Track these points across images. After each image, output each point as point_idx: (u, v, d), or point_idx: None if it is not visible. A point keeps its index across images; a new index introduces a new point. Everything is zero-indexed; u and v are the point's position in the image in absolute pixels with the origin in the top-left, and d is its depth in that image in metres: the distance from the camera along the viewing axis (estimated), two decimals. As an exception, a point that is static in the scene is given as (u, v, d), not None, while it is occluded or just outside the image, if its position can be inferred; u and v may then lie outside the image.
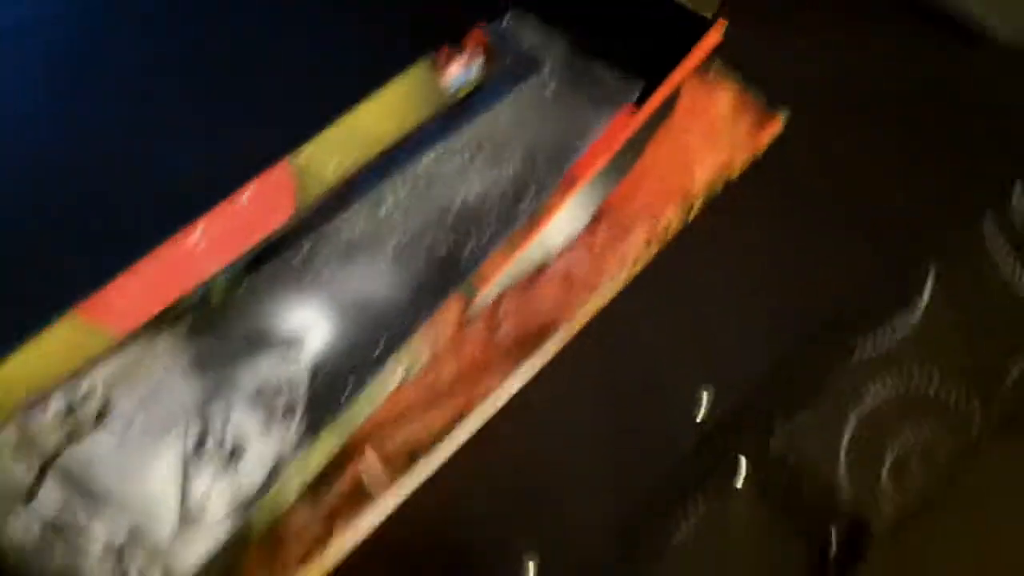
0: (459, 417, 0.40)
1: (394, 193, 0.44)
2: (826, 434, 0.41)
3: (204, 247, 0.43)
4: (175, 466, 0.39)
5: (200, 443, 0.39)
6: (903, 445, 0.42)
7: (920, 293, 0.43)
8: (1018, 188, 0.45)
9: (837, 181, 0.44)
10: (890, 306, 0.42)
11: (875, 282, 0.42)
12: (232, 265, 0.43)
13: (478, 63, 0.45)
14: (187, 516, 0.38)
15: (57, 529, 0.37)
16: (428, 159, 0.44)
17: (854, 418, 0.41)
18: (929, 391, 0.43)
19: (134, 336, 0.41)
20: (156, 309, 0.41)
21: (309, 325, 0.42)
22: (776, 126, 0.45)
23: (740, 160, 0.44)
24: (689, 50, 0.44)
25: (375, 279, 0.43)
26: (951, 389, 0.43)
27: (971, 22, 0.47)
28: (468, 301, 0.42)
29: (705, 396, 0.40)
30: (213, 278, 0.42)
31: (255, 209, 0.43)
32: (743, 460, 0.40)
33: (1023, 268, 0.44)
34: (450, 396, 0.40)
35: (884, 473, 0.42)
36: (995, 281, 0.44)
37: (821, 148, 0.44)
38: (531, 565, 0.37)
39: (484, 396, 0.40)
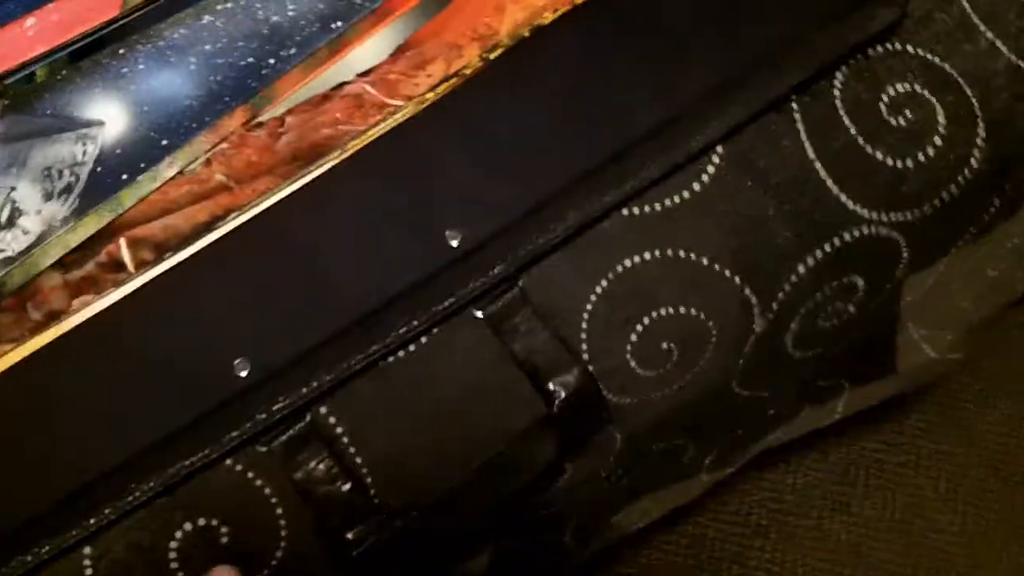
0: (224, 213, 0.40)
1: (220, 3, 0.44)
2: (576, 284, 0.40)
3: (35, 33, 0.44)
4: (-45, 223, 0.40)
5: (-18, 206, 0.41)
6: (658, 317, 0.41)
7: (708, 159, 0.41)
8: (840, 76, 0.42)
9: (644, 36, 0.42)
10: (672, 167, 0.40)
11: (662, 143, 0.40)
12: (57, 51, 0.44)
13: None
14: (-48, 267, 0.39)
15: None
16: (258, -25, 0.44)
17: (609, 274, 0.40)
18: (699, 267, 0.41)
19: (-46, 107, 0.42)
20: (-18, 83, 0.43)
21: (110, 116, 0.43)
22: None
23: (552, 9, 0.42)
24: None
25: (179, 82, 0.43)
26: (724, 271, 0.41)
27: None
28: (255, 111, 0.42)
29: (458, 233, 0.39)
30: (37, 60, 0.44)
31: (87, 5, 0.44)
32: (481, 304, 0.39)
33: (826, 161, 0.41)
34: (219, 193, 0.41)
35: (631, 341, 0.41)
36: (795, 167, 0.41)
37: (637, 3, 0.42)
38: (243, 371, 0.37)
39: (253, 198, 0.41)
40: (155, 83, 0.43)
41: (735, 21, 0.43)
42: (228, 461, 0.38)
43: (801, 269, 0.43)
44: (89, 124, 0.43)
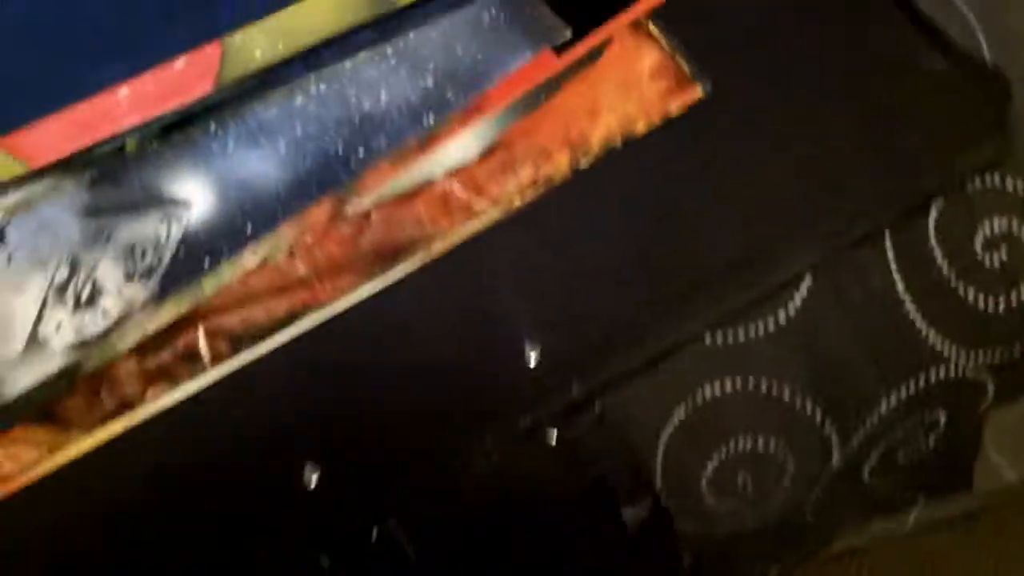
0: (302, 308, 0.40)
1: (313, 86, 0.44)
2: (653, 411, 0.39)
3: (128, 103, 0.43)
4: (37, 297, 0.40)
5: (65, 282, 0.40)
6: (735, 449, 0.40)
7: (796, 289, 0.40)
8: (935, 209, 0.40)
9: (737, 154, 0.41)
10: (758, 298, 0.39)
11: (747, 270, 0.39)
12: (149, 124, 0.43)
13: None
14: (32, 343, 0.39)
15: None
16: (352, 60, 0.44)
17: (687, 402, 0.39)
18: (780, 401, 0.40)
19: (44, 172, 0.42)
20: (72, 150, 0.42)
21: (196, 196, 0.42)
22: (694, 95, 0.42)
23: (646, 121, 0.41)
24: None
25: (267, 165, 0.43)
26: (805, 405, 0.40)
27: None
28: (341, 203, 0.41)
29: (536, 349, 0.38)
30: (129, 132, 0.43)
31: (182, 78, 0.44)
32: (556, 425, 0.38)
33: (916, 298, 0.40)
34: (299, 287, 0.40)
35: (705, 472, 0.40)
36: (884, 302, 0.40)
37: (732, 121, 0.41)
38: (312, 479, 0.37)
39: (333, 295, 0.40)
40: (244, 165, 0.43)
41: (832, 147, 0.41)
42: (292, 570, 0.38)
43: (884, 406, 0.42)
44: (176, 203, 0.42)
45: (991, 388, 0.45)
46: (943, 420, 0.45)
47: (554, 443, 0.39)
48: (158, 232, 0.42)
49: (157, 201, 0.43)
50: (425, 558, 0.39)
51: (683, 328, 0.40)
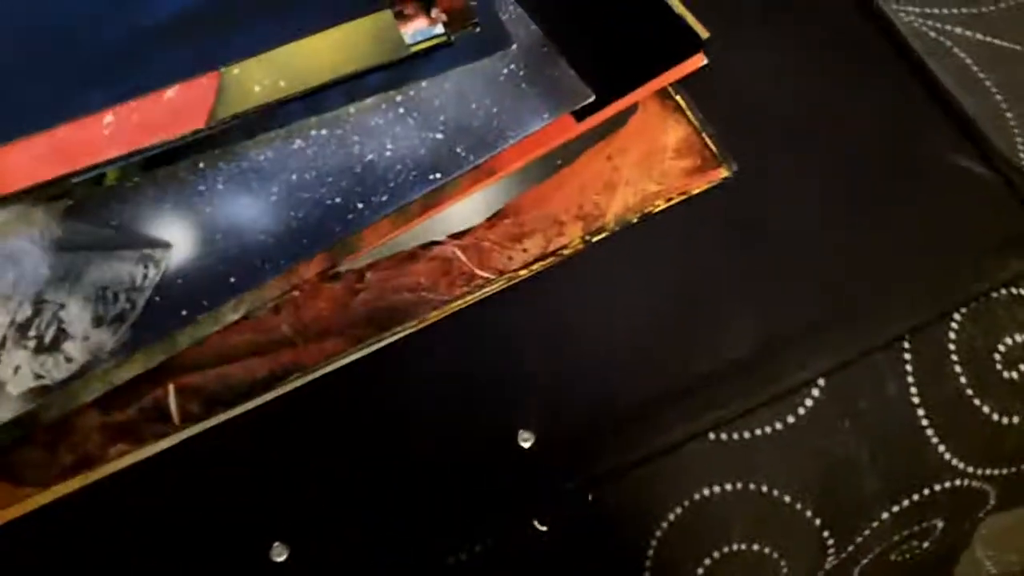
0: (284, 371, 0.36)
1: (314, 130, 0.41)
2: (648, 508, 0.36)
3: (111, 132, 0.40)
4: (-3, 335, 0.37)
5: (27, 321, 0.37)
6: (729, 552, 0.37)
7: (807, 392, 0.37)
8: (957, 319, 0.38)
9: (758, 244, 0.38)
10: (767, 399, 0.37)
11: (759, 370, 0.36)
12: (131, 156, 0.40)
13: (445, 21, 0.40)
14: (-13, 386, 0.36)
15: None
16: (358, 105, 0.40)
17: (684, 502, 0.36)
18: (779, 505, 0.37)
19: (12, 199, 0.38)
20: (47, 177, 0.39)
21: (177, 238, 0.39)
22: (717, 176, 0.39)
23: (665, 198, 0.38)
24: (666, 67, 0.38)
25: (258, 211, 0.39)
26: (805, 511, 0.37)
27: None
28: (334, 260, 0.38)
29: (531, 435, 0.36)
30: (108, 163, 0.40)
31: (172, 109, 0.40)
32: (546, 515, 0.35)
33: (929, 409, 0.38)
34: (282, 347, 0.37)
35: (697, 574, 0.37)
36: (896, 412, 0.38)
37: (756, 207, 0.38)
38: (280, 557, 0.34)
39: (318, 358, 0.37)
40: (232, 209, 0.39)
41: (856, 247, 0.39)
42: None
43: (884, 515, 0.40)
44: (154, 245, 0.39)
45: (993, 498, 0.43)
46: (941, 526, 0.43)
47: (542, 533, 0.37)
48: (133, 275, 0.38)
49: (134, 241, 0.39)
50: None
51: (687, 425, 0.37)
